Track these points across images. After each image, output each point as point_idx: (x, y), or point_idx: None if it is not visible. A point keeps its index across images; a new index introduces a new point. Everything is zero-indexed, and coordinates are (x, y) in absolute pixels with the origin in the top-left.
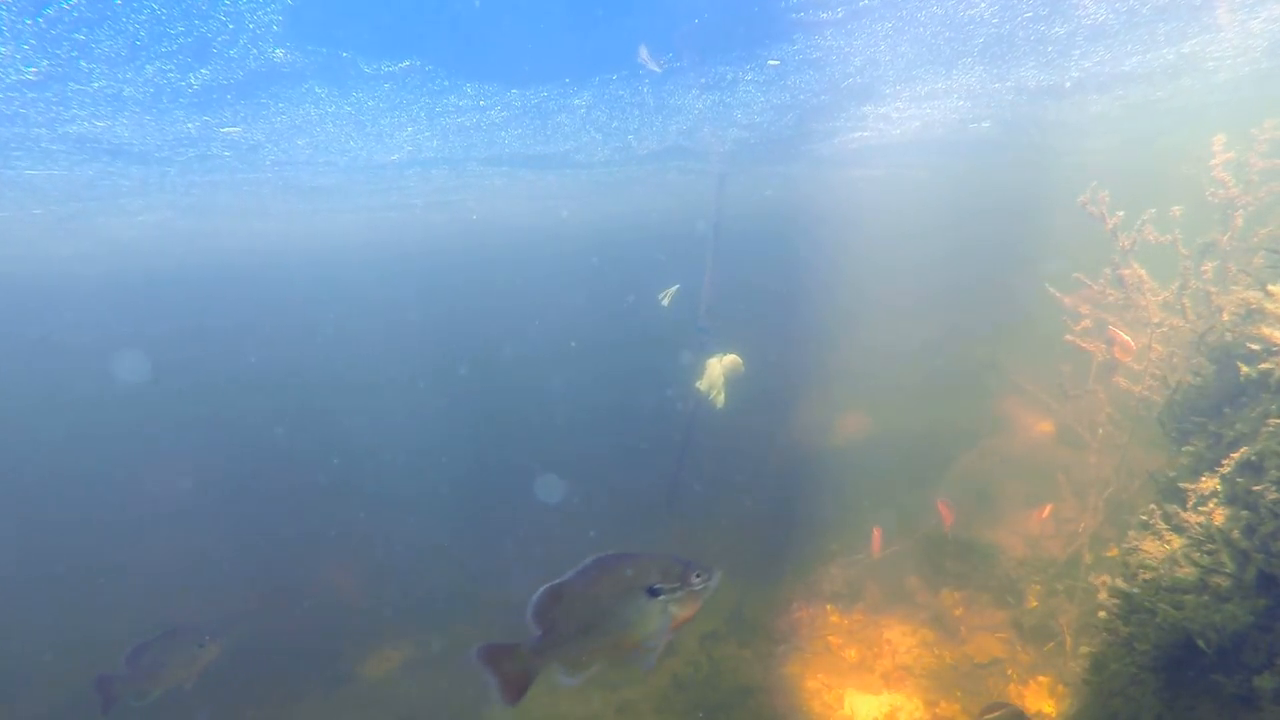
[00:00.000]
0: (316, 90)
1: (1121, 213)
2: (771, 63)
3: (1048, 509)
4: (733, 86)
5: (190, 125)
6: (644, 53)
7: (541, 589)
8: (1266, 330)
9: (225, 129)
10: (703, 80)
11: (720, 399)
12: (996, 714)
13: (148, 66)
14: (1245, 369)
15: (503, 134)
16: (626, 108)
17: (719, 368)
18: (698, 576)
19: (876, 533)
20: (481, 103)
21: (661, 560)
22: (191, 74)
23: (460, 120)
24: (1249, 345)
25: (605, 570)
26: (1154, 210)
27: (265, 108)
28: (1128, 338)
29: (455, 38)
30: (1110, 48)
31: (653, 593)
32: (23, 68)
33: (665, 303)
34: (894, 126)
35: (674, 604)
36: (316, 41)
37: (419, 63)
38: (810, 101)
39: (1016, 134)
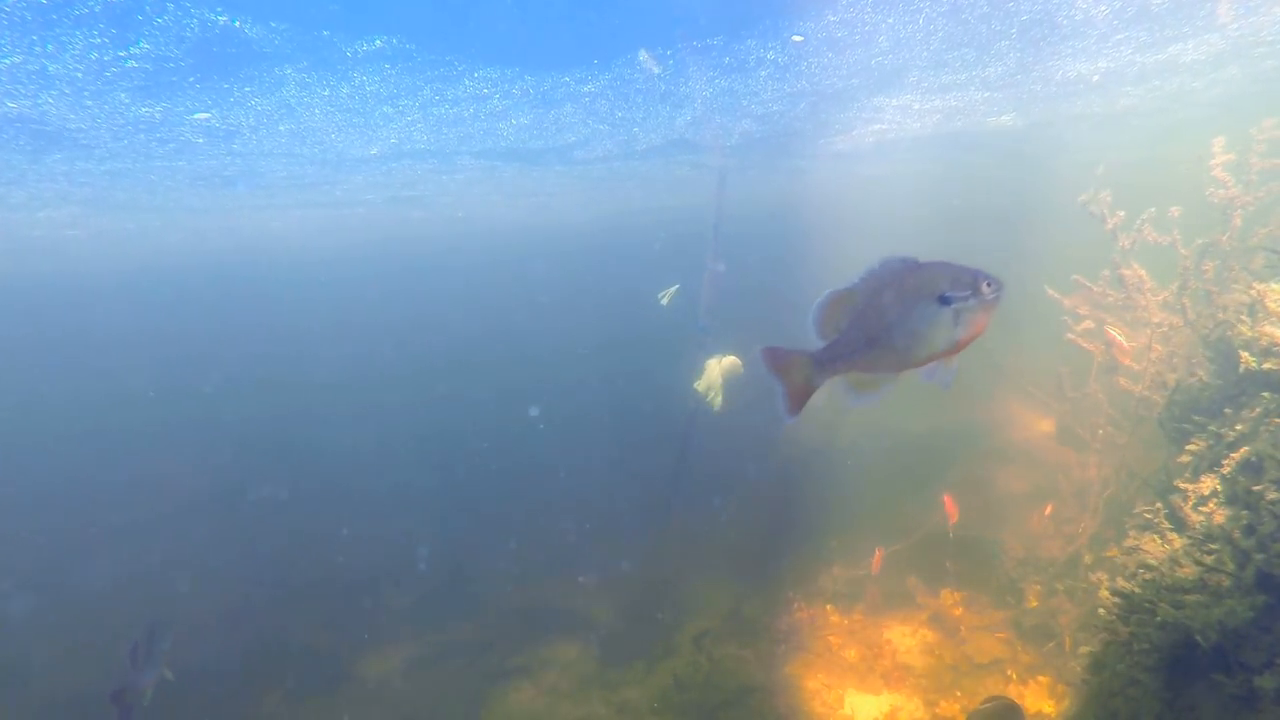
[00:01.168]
0: (289, 73)
1: (1122, 212)
2: (796, 38)
3: (1048, 509)
4: (753, 70)
5: (151, 110)
6: (644, 55)
7: (824, 294)
8: (1268, 329)
9: (197, 115)
10: (726, 60)
11: (717, 401)
12: (990, 705)
13: (66, 37)
14: (1247, 357)
15: (501, 125)
16: (634, 95)
17: (718, 369)
18: (988, 285)
19: (879, 553)
20: (486, 90)
21: (951, 267)
22: (130, 47)
23: (456, 110)
24: (1256, 339)
25: (892, 276)
26: (1153, 210)
27: (227, 93)
28: (1122, 338)
29: (449, 15)
30: (1152, 30)
31: (943, 301)
32: None
33: (665, 302)
34: (914, 119)
35: (965, 314)
36: (280, 16)
37: (397, 40)
38: (833, 86)
39: (1041, 128)
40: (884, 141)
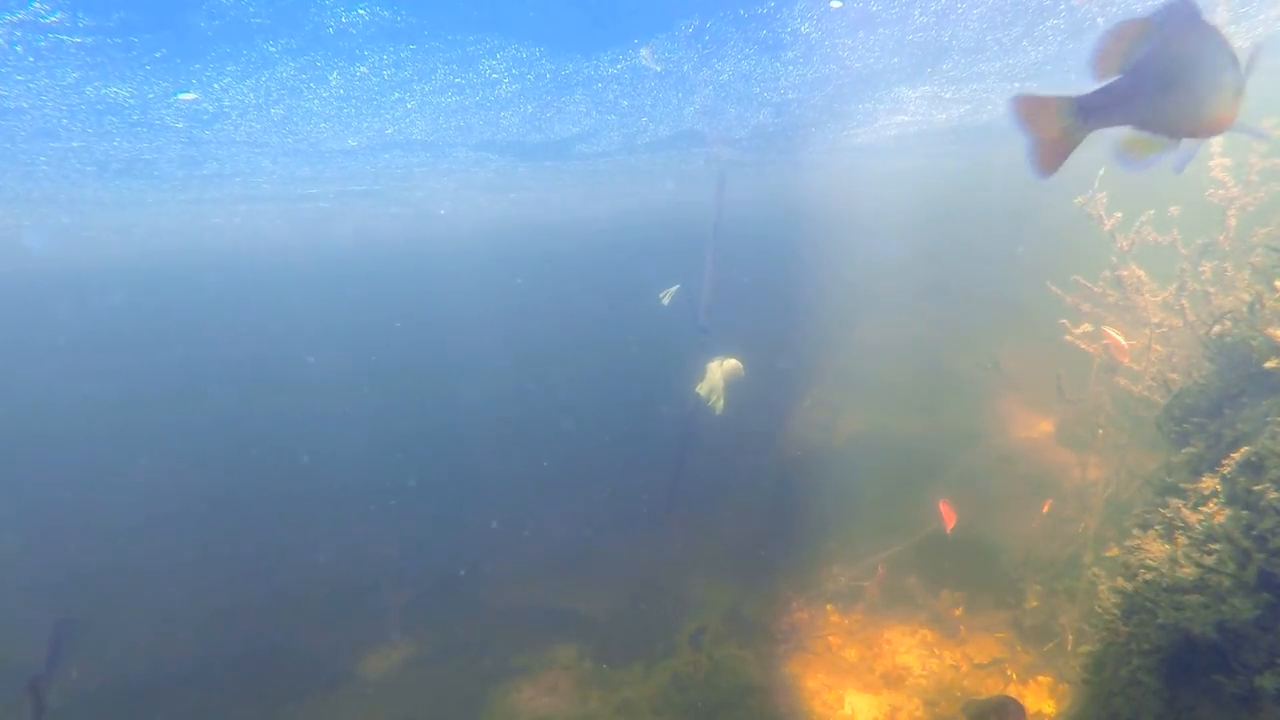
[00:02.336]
0: (270, 49)
1: (1119, 214)
2: (835, 3)
3: (1046, 508)
4: (786, 47)
5: (121, 90)
6: (645, 54)
7: (1113, 24)
8: (1269, 330)
9: (182, 95)
10: (764, 33)
11: (719, 404)
12: (986, 699)
13: None
14: (1255, 346)
15: (504, 115)
16: (644, 82)
17: (719, 371)
18: None
19: (881, 568)
20: (493, 75)
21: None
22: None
23: (459, 98)
24: (1263, 335)
25: (1193, 20)
26: (1152, 211)
27: (195, 73)
28: (1119, 338)
29: None
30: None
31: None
32: None
33: (665, 302)
34: (939, 110)
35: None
36: None
37: (386, 12)
38: (870, 67)
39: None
40: (905, 135)
